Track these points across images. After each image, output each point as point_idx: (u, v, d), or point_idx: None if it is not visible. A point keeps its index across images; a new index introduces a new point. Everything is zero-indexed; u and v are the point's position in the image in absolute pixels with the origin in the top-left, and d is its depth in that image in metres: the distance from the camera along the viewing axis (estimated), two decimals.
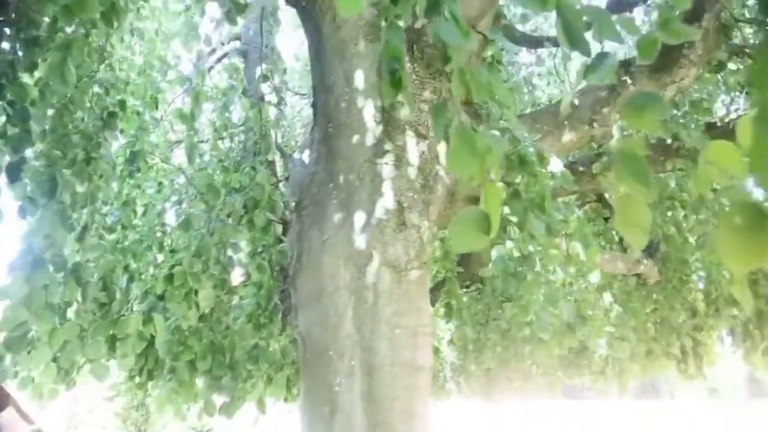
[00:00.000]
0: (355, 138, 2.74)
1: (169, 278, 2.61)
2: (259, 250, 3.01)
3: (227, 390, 2.54)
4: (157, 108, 4.98)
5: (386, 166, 2.66)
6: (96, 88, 2.70)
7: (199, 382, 2.68)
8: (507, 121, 1.28)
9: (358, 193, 2.66)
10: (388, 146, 2.69)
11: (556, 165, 2.38)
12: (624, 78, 3.24)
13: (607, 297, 2.53)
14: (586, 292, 2.46)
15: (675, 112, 3.91)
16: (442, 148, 2.80)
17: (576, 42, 0.82)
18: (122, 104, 2.79)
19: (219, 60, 5.77)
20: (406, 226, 2.60)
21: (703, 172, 0.84)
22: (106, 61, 3.40)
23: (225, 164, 3.19)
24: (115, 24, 2.40)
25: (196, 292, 2.58)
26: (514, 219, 2.21)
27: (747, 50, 3.43)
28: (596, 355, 3.88)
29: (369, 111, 2.78)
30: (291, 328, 2.86)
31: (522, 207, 2.19)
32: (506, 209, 2.23)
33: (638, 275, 4.44)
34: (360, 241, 2.55)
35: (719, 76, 3.86)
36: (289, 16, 7.41)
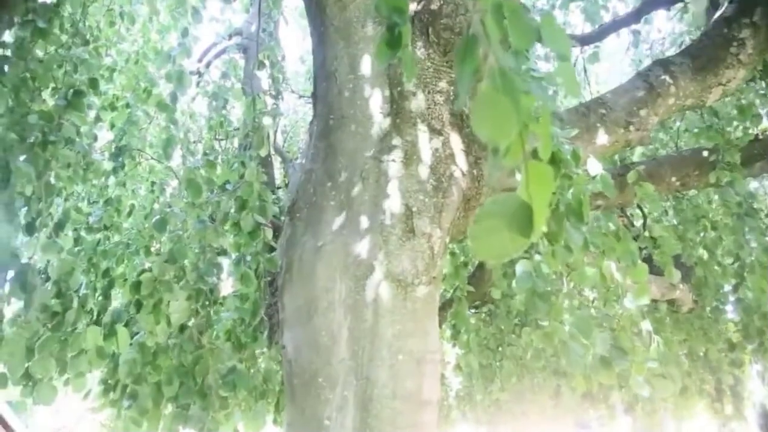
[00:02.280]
0: (359, 131, 2.39)
1: (136, 286, 2.24)
2: (247, 257, 2.65)
3: (195, 421, 2.15)
4: None
5: (393, 164, 2.30)
6: (66, 66, 2.37)
7: (167, 409, 2.30)
8: (561, 83, 0.92)
9: (360, 194, 2.29)
10: (396, 141, 2.33)
11: (594, 167, 2.01)
12: (663, 77, 2.88)
13: (646, 326, 2.15)
14: (624, 320, 2.09)
15: (716, 120, 3.55)
16: (458, 145, 2.44)
17: None
18: (93, 83, 2.44)
19: (218, 55, 5.45)
20: (414, 235, 2.22)
21: None
22: (91, 42, 3.07)
23: (210, 158, 2.84)
24: None
25: (169, 304, 2.21)
26: (544, 228, 1.83)
27: None
28: (622, 390, 3.48)
29: (376, 101, 2.42)
30: (276, 348, 2.48)
31: (556, 214, 1.82)
32: None
33: (671, 301, 4.04)
34: (360, 250, 2.18)
35: (763, 83, 3.49)
36: (295, 15, 7.12)
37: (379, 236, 2.18)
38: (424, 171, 2.31)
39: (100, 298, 3.89)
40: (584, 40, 4.53)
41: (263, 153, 2.73)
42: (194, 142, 5.11)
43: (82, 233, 4.33)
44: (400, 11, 1.13)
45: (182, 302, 2.21)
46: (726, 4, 3.07)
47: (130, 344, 2.22)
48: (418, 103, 2.40)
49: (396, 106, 2.39)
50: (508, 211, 0.71)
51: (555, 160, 1.83)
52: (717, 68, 2.89)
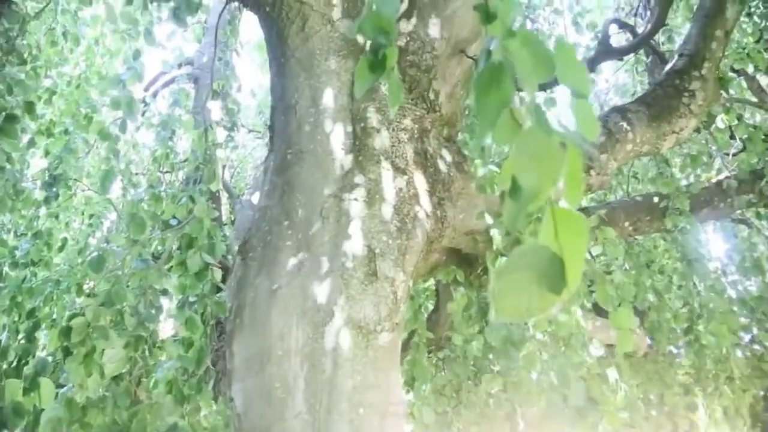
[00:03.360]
0: (320, 168, 2.27)
1: (66, 332, 1.99)
2: (192, 300, 2.44)
3: None
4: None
5: (356, 203, 2.18)
6: None
7: None
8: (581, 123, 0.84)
9: (319, 234, 2.16)
10: (358, 179, 2.22)
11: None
12: (621, 124, 2.93)
13: (612, 374, 2.09)
14: (592, 368, 2.02)
15: (667, 167, 3.65)
16: (422, 184, 2.35)
17: None
18: (29, 107, 2.22)
19: (166, 84, 5.25)
20: (377, 278, 2.09)
21: None
22: (29, 62, 2.84)
23: (156, 191, 2.63)
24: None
25: (103, 352, 1.97)
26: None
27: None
28: None
29: (338, 137, 2.32)
30: (224, 401, 2.27)
31: None
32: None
33: None
34: (319, 294, 2.03)
35: (708, 133, 3.63)
36: (248, 47, 7.02)
37: (340, 279, 2.04)
38: (387, 211, 2.21)
39: (22, 341, 3.54)
40: (540, 86, 4.61)
41: (214, 188, 2.57)
42: (137, 173, 4.84)
43: (6, 269, 3.98)
44: (385, 32, 1.03)
45: (118, 351, 1.98)
46: (676, 57, 3.18)
47: (56, 399, 1.96)
48: (381, 140, 2.31)
49: (359, 143, 2.30)
50: (537, 265, 0.61)
51: None
52: (671, 117, 2.97)
